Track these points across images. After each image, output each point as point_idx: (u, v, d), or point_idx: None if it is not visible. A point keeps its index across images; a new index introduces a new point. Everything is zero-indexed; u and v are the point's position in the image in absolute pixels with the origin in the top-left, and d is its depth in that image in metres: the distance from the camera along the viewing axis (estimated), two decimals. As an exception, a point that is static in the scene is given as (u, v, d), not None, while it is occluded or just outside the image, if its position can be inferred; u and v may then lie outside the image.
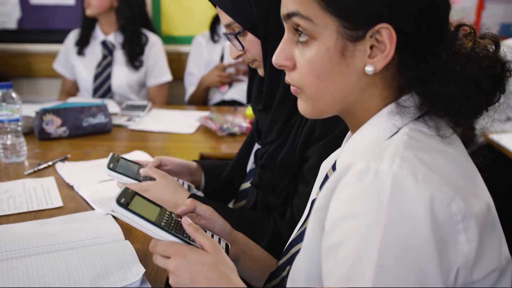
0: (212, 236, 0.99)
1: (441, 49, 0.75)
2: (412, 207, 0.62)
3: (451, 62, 0.74)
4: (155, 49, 2.93)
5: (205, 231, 0.98)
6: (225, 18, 1.21)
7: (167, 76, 2.99)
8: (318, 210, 0.74)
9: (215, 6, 1.24)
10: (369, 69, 0.73)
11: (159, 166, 1.44)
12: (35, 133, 2.01)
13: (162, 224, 0.89)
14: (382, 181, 0.63)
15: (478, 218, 0.66)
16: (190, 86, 3.02)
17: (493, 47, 0.77)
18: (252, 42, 1.21)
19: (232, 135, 2.13)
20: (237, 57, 1.26)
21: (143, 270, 1.03)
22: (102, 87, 2.86)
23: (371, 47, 0.72)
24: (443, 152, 0.72)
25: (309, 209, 0.93)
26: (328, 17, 0.72)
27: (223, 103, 2.89)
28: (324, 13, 0.73)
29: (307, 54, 0.76)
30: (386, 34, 0.71)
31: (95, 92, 2.88)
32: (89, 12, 2.74)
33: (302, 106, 0.82)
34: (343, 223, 0.66)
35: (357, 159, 0.68)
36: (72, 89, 2.99)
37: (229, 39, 1.24)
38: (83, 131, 2.09)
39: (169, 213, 0.95)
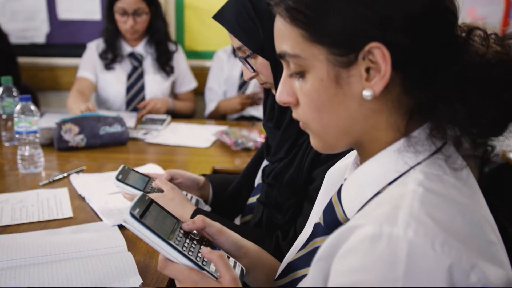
0: (228, 258, 0.93)
1: (450, 61, 0.68)
2: (430, 279, 0.57)
3: (464, 75, 0.68)
4: (182, 57, 3.04)
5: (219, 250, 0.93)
6: (235, 42, 1.23)
7: (194, 83, 3.12)
8: (319, 260, 0.69)
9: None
10: (366, 93, 0.68)
11: (170, 180, 1.46)
12: (54, 143, 2.07)
13: (176, 242, 0.83)
14: (397, 249, 0.58)
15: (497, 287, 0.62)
16: (210, 102, 3.06)
17: None
18: (262, 64, 1.22)
19: (246, 150, 2.14)
20: (250, 78, 1.28)
21: (140, 281, 1.04)
22: (136, 99, 2.89)
23: (368, 69, 0.68)
24: (459, 205, 0.66)
25: (311, 232, 0.90)
26: (314, 47, 0.70)
27: (241, 118, 2.92)
28: (310, 44, 0.70)
29: (304, 89, 0.73)
30: (378, 54, 0.66)
31: (128, 104, 2.89)
32: (134, 36, 2.82)
33: (313, 142, 0.79)
34: None
35: (367, 218, 0.63)
36: (88, 89, 2.84)
37: (242, 62, 1.26)
38: (101, 140, 2.14)
39: (180, 226, 0.90)
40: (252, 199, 1.49)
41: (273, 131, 1.34)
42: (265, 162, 1.47)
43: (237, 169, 1.92)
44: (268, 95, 1.40)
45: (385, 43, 0.66)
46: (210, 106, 3.04)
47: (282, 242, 1.24)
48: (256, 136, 2.20)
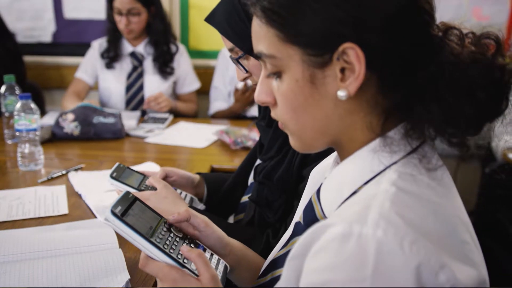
0: (212, 255, 0.94)
1: (425, 61, 0.68)
2: (397, 278, 0.58)
3: (439, 75, 0.68)
4: (184, 58, 3.03)
5: (203, 248, 0.94)
6: (227, 43, 1.24)
7: (197, 84, 3.11)
8: (293, 259, 0.69)
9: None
10: (341, 94, 0.69)
11: (164, 178, 1.48)
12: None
13: (158, 240, 0.84)
14: (366, 248, 0.58)
15: (468, 287, 0.62)
16: (215, 100, 3.06)
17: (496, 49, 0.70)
18: (254, 65, 1.23)
19: (246, 149, 2.15)
20: (243, 79, 1.29)
21: (127, 277, 1.06)
22: (135, 98, 2.92)
23: (343, 70, 0.68)
24: (432, 205, 0.67)
25: (292, 231, 0.91)
26: (289, 48, 0.70)
27: (243, 118, 2.92)
28: (285, 44, 0.71)
29: (281, 89, 0.74)
30: (352, 54, 0.66)
31: (127, 103, 2.93)
32: (131, 36, 2.84)
33: (292, 142, 0.80)
34: None
35: (338, 218, 0.64)
36: (83, 91, 2.95)
37: (234, 63, 1.27)
38: (94, 128, 2.25)
39: (167, 226, 0.90)
40: (245, 198, 1.50)
41: (266, 130, 1.35)
42: (258, 161, 1.48)
43: (235, 168, 1.92)
44: None
45: (359, 43, 0.66)
46: (215, 105, 3.04)
47: (272, 240, 1.25)
48: (255, 136, 2.21)
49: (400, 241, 0.59)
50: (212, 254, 0.93)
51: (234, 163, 2.02)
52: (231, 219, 1.56)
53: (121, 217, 0.82)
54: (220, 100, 3.03)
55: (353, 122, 0.73)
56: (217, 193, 1.57)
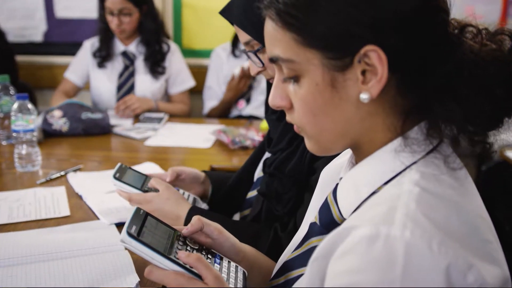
0: (229, 262, 0.92)
1: (444, 60, 0.68)
2: (428, 279, 0.58)
3: (458, 73, 0.68)
4: (176, 57, 2.98)
5: (220, 256, 0.93)
6: (243, 36, 1.22)
7: (191, 82, 3.05)
8: (316, 260, 0.68)
9: (232, 24, 1.25)
10: (364, 96, 0.68)
11: (176, 178, 1.47)
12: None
13: (176, 256, 0.82)
14: (394, 249, 0.58)
15: (494, 286, 0.62)
16: (209, 100, 3.04)
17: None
18: None
19: (244, 148, 2.14)
20: (257, 73, 1.28)
21: (137, 279, 1.04)
22: None
23: (363, 72, 0.68)
24: (455, 205, 0.67)
25: (307, 231, 0.89)
26: (308, 51, 0.69)
27: (240, 117, 2.91)
28: (303, 48, 0.69)
29: (299, 93, 0.73)
30: (374, 57, 0.66)
31: None
32: (123, 36, 2.81)
33: (309, 145, 0.79)
34: None
35: (363, 219, 0.63)
36: (72, 91, 2.96)
37: (248, 57, 1.26)
38: (83, 125, 2.28)
39: (183, 240, 0.89)
40: (252, 193, 1.49)
41: (275, 124, 1.35)
42: (266, 155, 1.47)
43: (234, 168, 1.92)
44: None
45: (380, 45, 0.66)
46: (209, 104, 3.02)
47: (281, 233, 1.24)
48: (253, 135, 2.20)
49: (429, 242, 0.59)
50: (229, 262, 0.92)
51: (232, 163, 2.02)
52: (236, 216, 1.55)
53: (138, 237, 0.81)
54: (214, 100, 3.01)
55: (374, 123, 0.72)
56: (221, 190, 1.56)
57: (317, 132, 0.75)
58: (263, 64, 1.23)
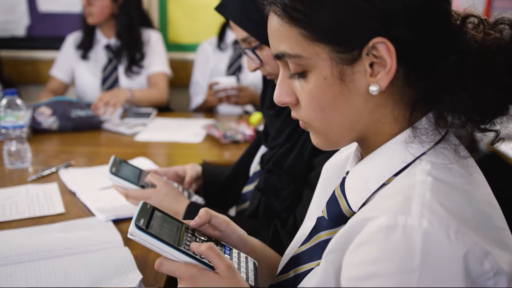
0: (239, 253, 0.91)
1: (449, 50, 0.69)
2: (446, 267, 0.59)
3: (463, 63, 0.68)
4: (152, 44, 2.86)
5: (229, 248, 0.91)
6: (240, 33, 1.21)
7: (164, 67, 2.88)
8: (331, 253, 0.69)
9: (228, 20, 1.24)
10: (373, 88, 0.68)
11: (181, 179, 1.48)
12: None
13: (186, 248, 0.81)
14: (412, 239, 0.59)
15: (508, 273, 0.63)
16: (195, 95, 3.01)
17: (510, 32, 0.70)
18: (269, 55, 1.20)
19: (236, 142, 2.13)
20: (255, 69, 1.27)
21: (140, 276, 1.03)
22: None
23: (371, 64, 0.68)
24: (467, 193, 0.67)
25: (315, 226, 0.88)
26: (316, 46, 0.69)
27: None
28: (311, 43, 0.69)
29: (306, 88, 0.72)
30: (383, 49, 0.66)
31: None
32: (91, 20, 2.73)
33: (315, 140, 0.78)
34: (369, 282, 0.61)
35: (379, 210, 0.64)
36: (60, 89, 2.90)
37: (245, 53, 1.25)
38: (72, 123, 2.26)
39: (191, 232, 0.88)
40: (248, 188, 1.49)
41: (273, 119, 1.35)
42: (262, 150, 1.46)
43: (226, 162, 1.91)
44: (268, 86, 1.39)
45: (388, 37, 0.66)
46: (196, 100, 3.00)
47: (281, 230, 1.24)
48: (244, 129, 2.19)
49: (446, 230, 0.60)
50: (239, 253, 0.91)
51: (224, 157, 2.01)
52: (232, 211, 1.54)
53: (146, 229, 0.79)
54: (201, 95, 2.98)
55: (382, 115, 0.72)
56: (215, 183, 1.55)
57: (326, 126, 0.74)
58: (261, 60, 1.22)
